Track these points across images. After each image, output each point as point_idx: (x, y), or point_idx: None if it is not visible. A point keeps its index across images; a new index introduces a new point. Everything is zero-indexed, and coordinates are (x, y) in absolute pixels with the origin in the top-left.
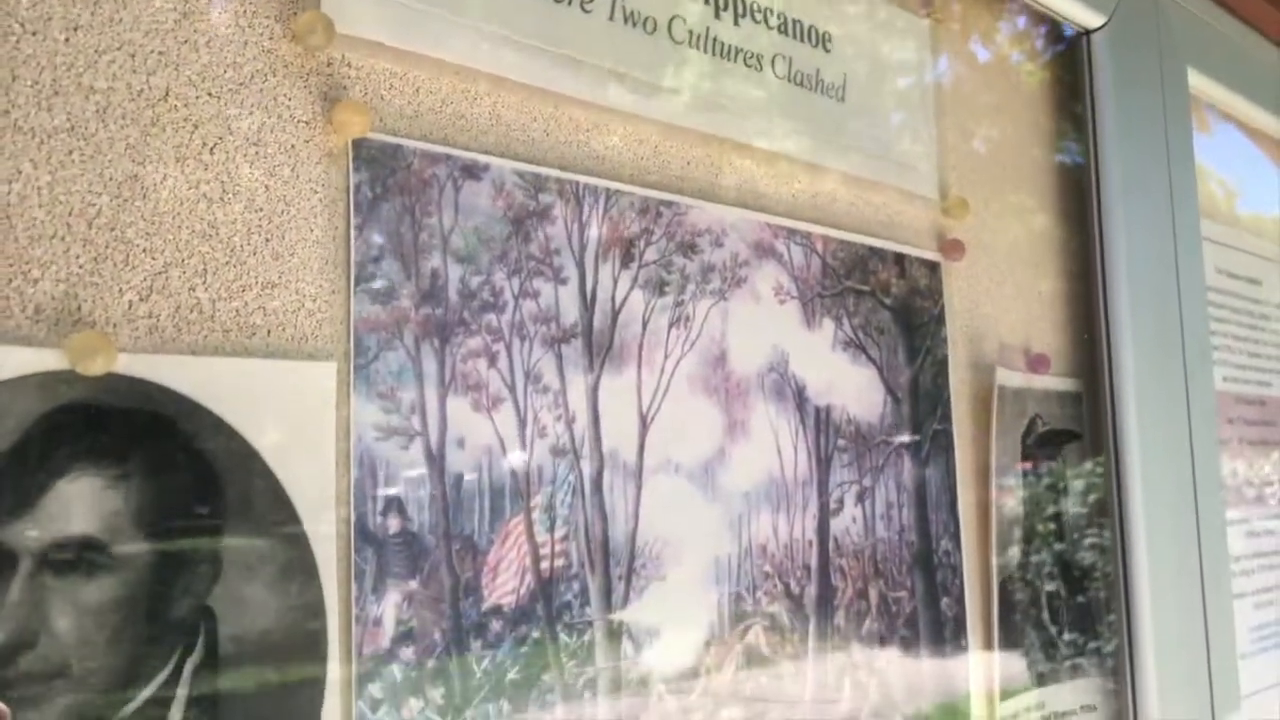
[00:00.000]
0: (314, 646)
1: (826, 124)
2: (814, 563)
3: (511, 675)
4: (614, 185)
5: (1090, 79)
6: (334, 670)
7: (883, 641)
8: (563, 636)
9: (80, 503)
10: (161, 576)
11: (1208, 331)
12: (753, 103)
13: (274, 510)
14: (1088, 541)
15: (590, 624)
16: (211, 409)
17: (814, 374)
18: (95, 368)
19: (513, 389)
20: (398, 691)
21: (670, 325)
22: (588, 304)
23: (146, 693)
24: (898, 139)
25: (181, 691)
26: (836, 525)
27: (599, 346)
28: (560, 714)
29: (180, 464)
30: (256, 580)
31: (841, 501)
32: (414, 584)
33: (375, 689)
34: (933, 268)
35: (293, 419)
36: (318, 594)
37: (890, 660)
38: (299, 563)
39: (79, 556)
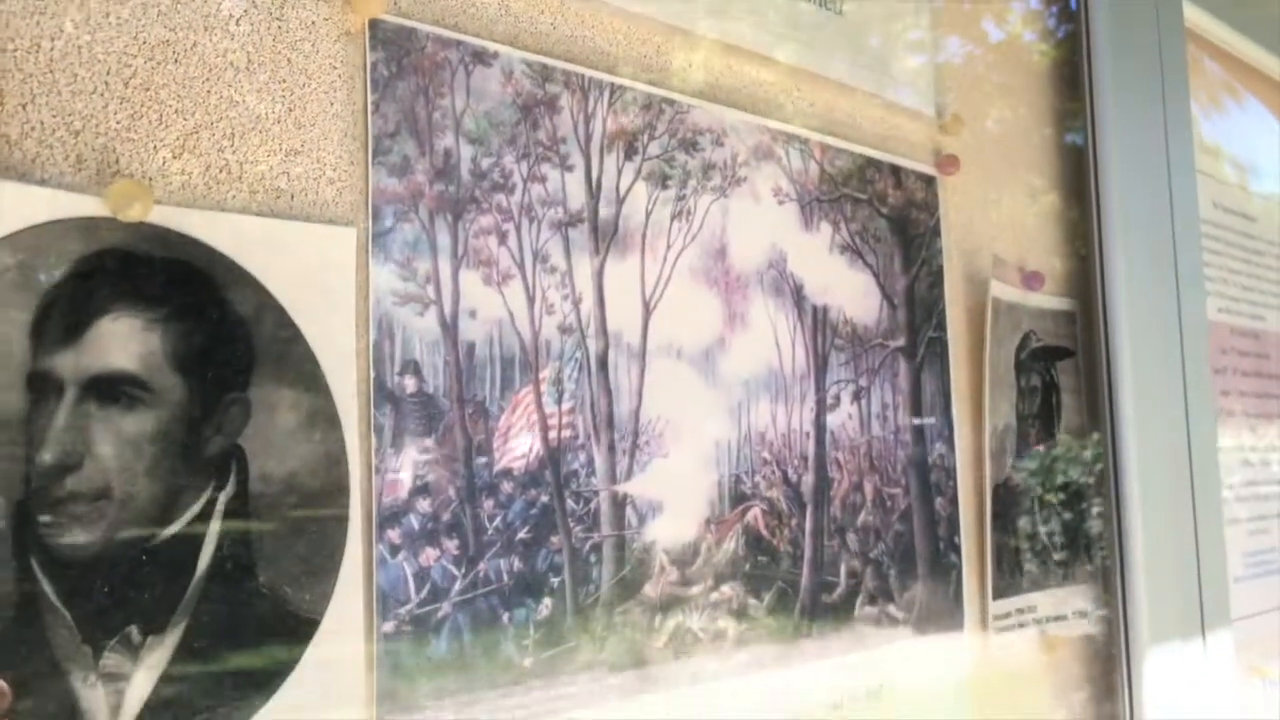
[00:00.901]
0: (337, 491)
1: (823, 35)
2: (811, 453)
3: (521, 535)
4: (618, 80)
5: (1085, 6)
6: (355, 515)
7: (878, 534)
8: (570, 502)
9: (120, 340)
10: (195, 414)
11: (1200, 258)
12: (752, 8)
13: (298, 362)
14: (1081, 454)
15: (596, 493)
16: (239, 263)
17: (812, 274)
18: (133, 214)
19: (522, 267)
20: (415, 539)
21: (672, 218)
22: (593, 192)
23: (183, 521)
24: (894, 55)
25: (214, 523)
26: (833, 420)
27: (604, 233)
28: (567, 575)
29: (211, 311)
30: (284, 425)
31: (838, 398)
32: (429, 442)
33: (394, 535)
34: (929, 181)
35: (314, 279)
36: (340, 443)
37: (885, 552)
38: (322, 413)
39: (120, 390)
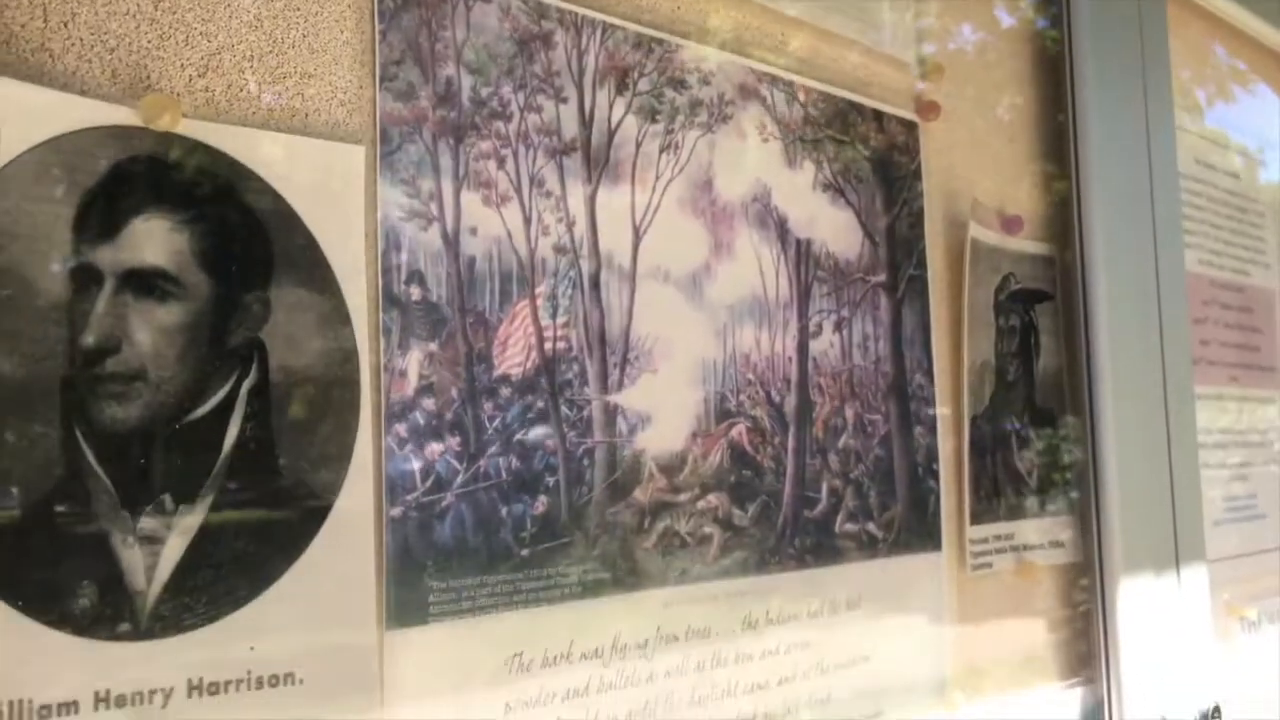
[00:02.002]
0: (349, 385)
1: None
2: (794, 377)
3: (519, 436)
4: (610, 19)
5: None
6: (365, 409)
7: (858, 456)
8: (564, 409)
9: (152, 239)
10: (220, 309)
11: (1179, 209)
12: None
13: (313, 266)
14: (1058, 392)
15: (589, 402)
16: (259, 174)
17: (795, 209)
18: (163, 124)
19: (519, 190)
20: (421, 434)
21: (661, 150)
22: (586, 122)
23: (210, 404)
24: (877, 2)
25: (238, 407)
26: (815, 347)
27: (596, 161)
28: (562, 476)
29: (234, 217)
30: (300, 324)
31: (820, 327)
32: (434, 346)
33: (401, 429)
34: (910, 127)
35: (328, 192)
36: (351, 342)
37: (865, 473)
38: (335, 314)
39: (153, 283)
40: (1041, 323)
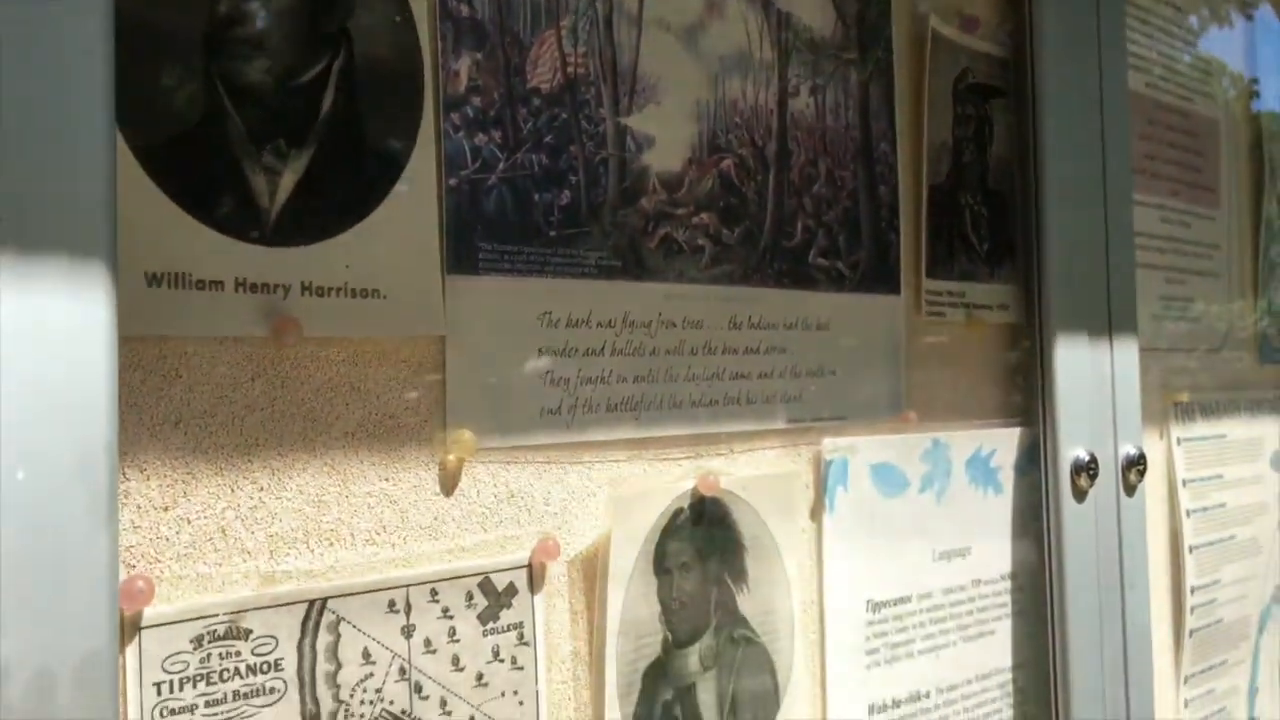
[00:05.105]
0: (415, 76)
1: None
2: (774, 127)
3: (548, 139)
4: None
5: None
6: (428, 96)
7: (829, 204)
8: (583, 123)
9: None
10: (313, 2)
11: (1123, 31)
12: None
13: None
14: (1009, 174)
15: (603, 120)
16: None
17: None
18: None
19: None
20: (471, 125)
21: None
22: None
23: (311, 73)
24: None
25: (331, 81)
26: (794, 105)
27: None
28: (582, 176)
29: None
30: (377, 21)
31: (798, 89)
32: (480, 55)
33: (455, 118)
34: None
35: None
36: (416, 42)
37: (835, 219)
38: (403, 18)
39: None
40: (996, 116)
